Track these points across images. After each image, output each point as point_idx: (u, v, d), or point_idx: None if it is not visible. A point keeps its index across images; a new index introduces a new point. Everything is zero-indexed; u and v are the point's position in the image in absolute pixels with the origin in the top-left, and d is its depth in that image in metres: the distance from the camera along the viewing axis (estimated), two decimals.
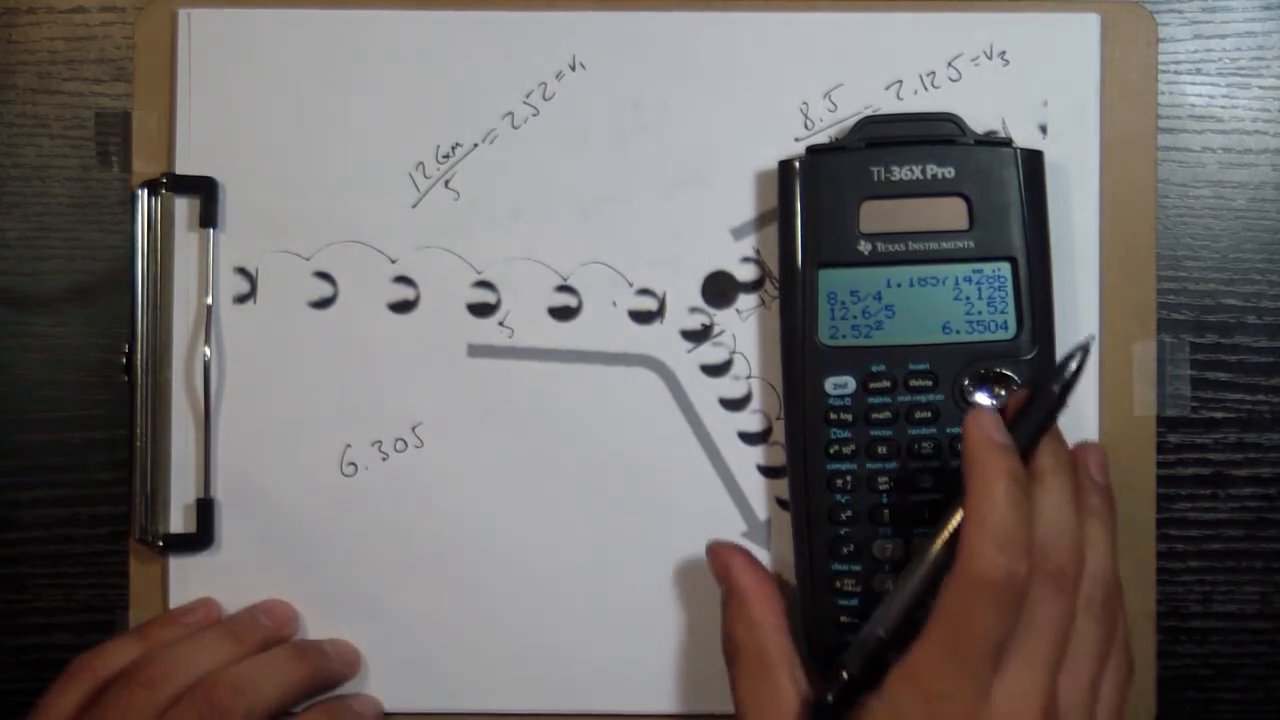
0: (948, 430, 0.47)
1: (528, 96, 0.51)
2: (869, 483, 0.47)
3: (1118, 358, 0.50)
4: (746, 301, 0.50)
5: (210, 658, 0.46)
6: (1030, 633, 0.40)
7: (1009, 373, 0.47)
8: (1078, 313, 0.50)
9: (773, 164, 0.49)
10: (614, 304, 0.51)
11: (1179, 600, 0.51)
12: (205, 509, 0.50)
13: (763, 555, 0.50)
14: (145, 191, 0.50)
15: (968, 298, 0.47)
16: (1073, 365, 0.42)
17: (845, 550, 0.47)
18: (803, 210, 0.47)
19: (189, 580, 0.50)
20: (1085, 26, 0.50)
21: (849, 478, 0.47)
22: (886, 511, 0.47)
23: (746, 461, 0.50)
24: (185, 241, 0.51)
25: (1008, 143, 0.48)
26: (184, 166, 0.51)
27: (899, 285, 0.47)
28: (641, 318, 0.51)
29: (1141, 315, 0.50)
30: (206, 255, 0.50)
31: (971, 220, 0.47)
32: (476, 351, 0.51)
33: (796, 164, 0.48)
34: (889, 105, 0.50)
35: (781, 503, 0.50)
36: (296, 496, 0.51)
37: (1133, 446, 0.50)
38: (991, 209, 0.47)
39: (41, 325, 0.52)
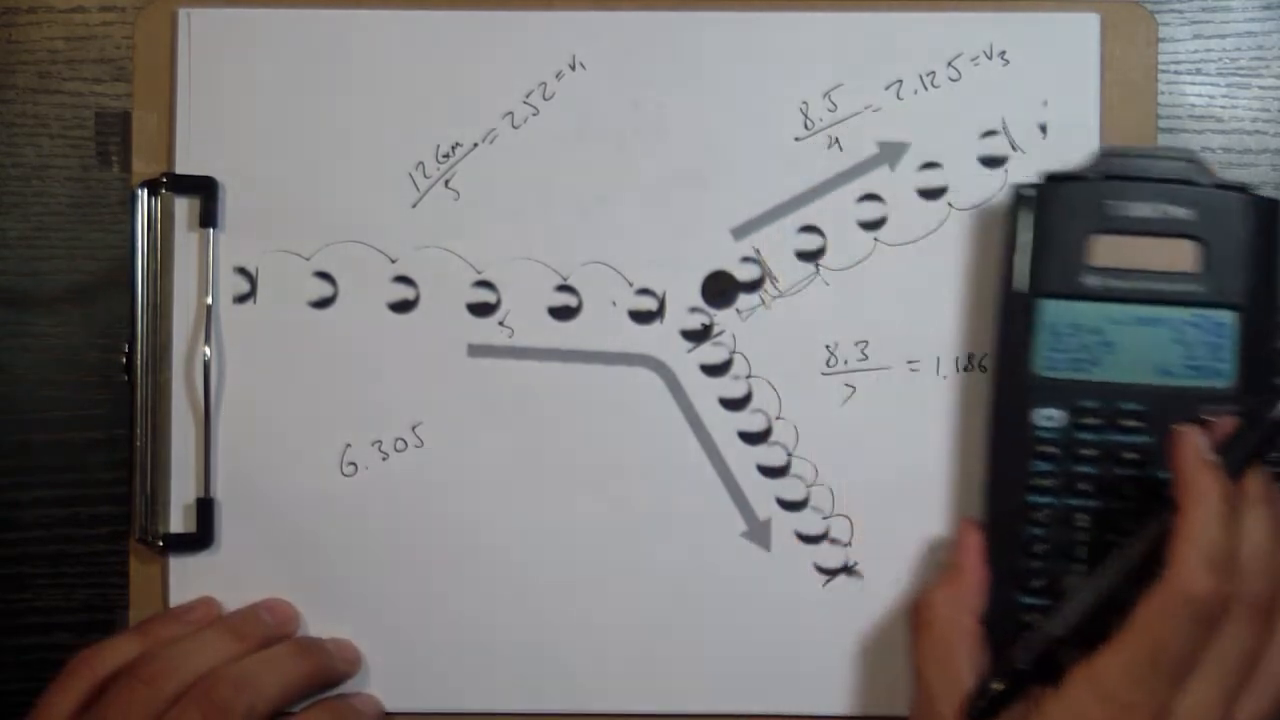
0: (1154, 474, 0.45)
1: (528, 96, 0.51)
2: (1067, 519, 0.46)
3: None
4: (746, 301, 0.50)
5: (212, 655, 0.46)
6: (1218, 656, 0.40)
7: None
8: None
9: (773, 164, 0.49)
10: (614, 304, 0.51)
11: None
12: (205, 509, 0.50)
13: (761, 555, 0.50)
14: (145, 191, 0.50)
15: (1189, 342, 0.45)
16: None
17: (1035, 584, 0.46)
18: (1034, 237, 0.46)
19: (189, 580, 0.50)
20: (1085, 26, 0.50)
21: (1047, 512, 0.46)
22: (1083, 549, 0.46)
23: (746, 461, 0.50)
24: (185, 241, 0.51)
25: (1244, 188, 0.46)
26: (184, 166, 0.51)
27: (1121, 323, 0.46)
28: (641, 318, 0.51)
29: None
30: (206, 255, 0.50)
31: (1202, 264, 0.45)
32: (476, 351, 0.51)
33: (1032, 189, 0.46)
34: (889, 105, 0.50)
35: (781, 503, 0.50)
36: (296, 496, 0.51)
37: None
38: (1223, 255, 0.45)
39: (41, 325, 0.52)
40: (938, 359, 0.50)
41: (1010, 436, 0.46)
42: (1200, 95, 0.51)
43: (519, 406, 0.50)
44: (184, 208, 0.51)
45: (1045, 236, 0.46)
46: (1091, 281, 0.46)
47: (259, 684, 0.46)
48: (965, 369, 0.50)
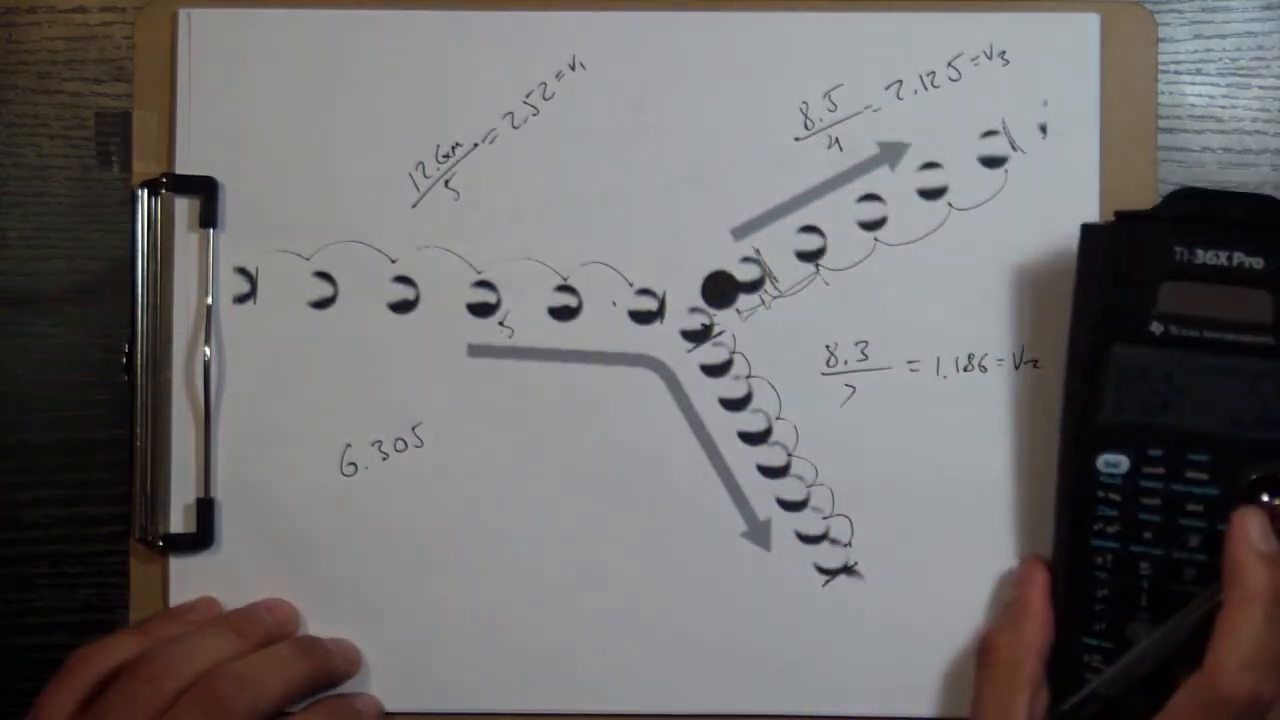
0: (1219, 527, 0.44)
1: (528, 96, 0.51)
2: (1130, 565, 0.45)
3: None
4: (746, 301, 0.50)
5: (213, 653, 0.46)
6: None
7: None
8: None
9: (773, 164, 0.49)
10: (614, 304, 0.51)
11: None
12: (205, 509, 0.50)
13: (761, 555, 0.50)
14: (145, 191, 0.50)
15: (1262, 394, 0.44)
16: None
17: (1098, 628, 0.46)
18: (1104, 280, 0.45)
19: (189, 580, 0.50)
20: (1085, 26, 0.50)
21: (1110, 556, 0.46)
22: (1145, 596, 0.45)
23: (746, 461, 0.50)
24: (185, 241, 0.51)
25: None
26: (184, 166, 0.51)
27: (1191, 371, 0.45)
28: (641, 318, 0.51)
29: None
30: (206, 255, 0.50)
31: (1276, 315, 0.44)
32: (476, 351, 0.51)
33: (1104, 228, 0.46)
34: (889, 105, 0.50)
35: (781, 503, 0.50)
36: (296, 496, 0.51)
37: None
38: None
39: (41, 325, 0.52)
40: (938, 359, 0.50)
41: (1076, 479, 0.46)
42: (1200, 95, 0.51)
43: (519, 406, 0.50)
44: (184, 208, 0.51)
45: (1116, 279, 0.45)
46: (1159, 329, 0.45)
47: (260, 682, 0.46)
48: (965, 369, 0.50)
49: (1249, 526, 0.40)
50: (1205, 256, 0.44)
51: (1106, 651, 0.46)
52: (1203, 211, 0.45)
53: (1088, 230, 0.46)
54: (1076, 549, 0.46)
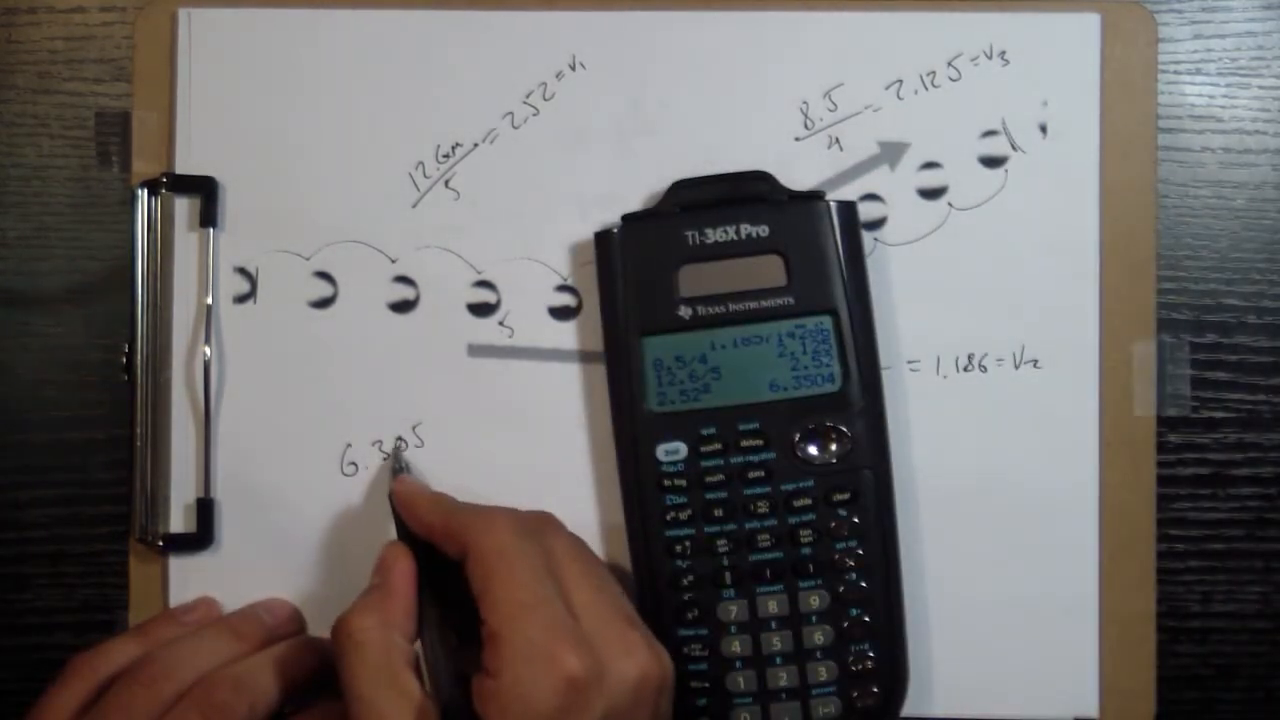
0: (782, 488, 0.47)
1: (528, 96, 0.51)
2: (708, 546, 0.47)
3: (1118, 358, 0.50)
4: None
5: (211, 656, 0.46)
6: None
7: (839, 425, 0.47)
8: (1078, 314, 0.50)
9: (774, 164, 0.49)
10: None
11: (1179, 600, 0.51)
12: (205, 509, 0.50)
13: None
14: (145, 191, 0.50)
15: (792, 354, 0.47)
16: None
17: (690, 615, 0.47)
18: (623, 279, 0.47)
19: (189, 580, 0.50)
20: (1085, 26, 0.50)
21: (688, 543, 0.47)
22: (728, 574, 0.47)
23: None
24: (185, 241, 0.51)
25: (820, 195, 0.48)
26: (184, 166, 0.51)
27: (723, 347, 0.47)
28: None
29: (1141, 315, 0.50)
30: (206, 255, 0.50)
31: (789, 276, 0.47)
32: (476, 351, 0.51)
33: (614, 233, 0.48)
34: (889, 105, 0.50)
35: None
36: (296, 496, 0.51)
37: (1133, 446, 0.50)
38: (808, 263, 0.47)
39: (41, 325, 0.52)
40: (938, 359, 0.50)
41: (639, 475, 0.47)
42: (1200, 95, 0.51)
43: (519, 407, 0.50)
44: (184, 208, 0.51)
45: (635, 276, 0.47)
46: (686, 312, 0.47)
47: (259, 685, 0.45)
48: (965, 369, 0.50)
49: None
50: (715, 235, 0.47)
51: (704, 639, 0.47)
52: (702, 196, 0.48)
53: (601, 237, 0.48)
54: (653, 542, 0.47)
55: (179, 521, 0.51)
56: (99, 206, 0.52)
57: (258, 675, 0.46)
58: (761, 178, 0.48)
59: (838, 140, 0.50)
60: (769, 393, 0.47)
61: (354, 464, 0.51)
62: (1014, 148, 0.50)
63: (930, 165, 0.50)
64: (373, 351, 0.51)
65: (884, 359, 0.50)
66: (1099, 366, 0.50)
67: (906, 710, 0.49)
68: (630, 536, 0.48)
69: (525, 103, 0.51)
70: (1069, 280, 0.50)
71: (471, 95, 0.51)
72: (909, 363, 0.50)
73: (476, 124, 0.51)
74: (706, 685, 0.47)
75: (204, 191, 0.50)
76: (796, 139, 0.50)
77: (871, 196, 0.50)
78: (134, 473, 0.50)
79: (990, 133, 0.50)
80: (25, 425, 0.52)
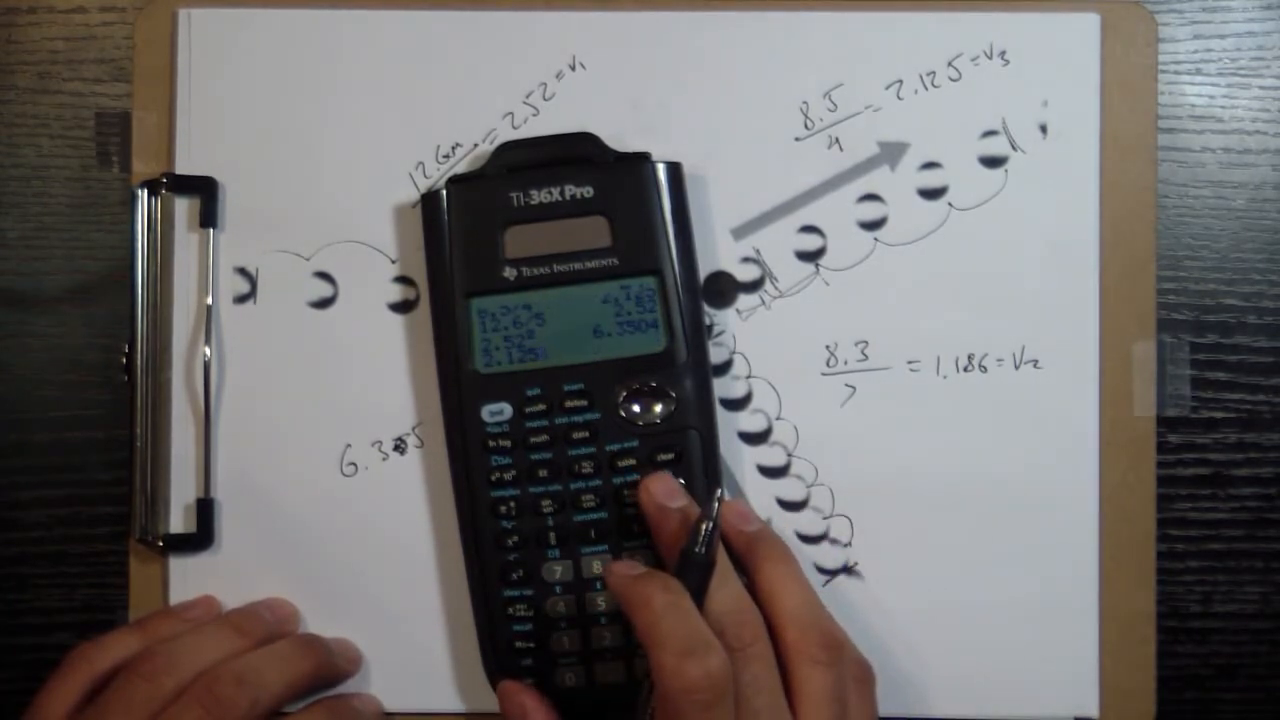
0: (607, 448, 0.47)
1: (528, 96, 0.51)
2: (533, 507, 0.47)
3: (1117, 358, 0.50)
4: (746, 301, 0.50)
5: (213, 650, 0.46)
6: (746, 701, 0.41)
7: (664, 386, 0.47)
8: (1078, 314, 0.50)
9: (773, 164, 0.49)
10: None
11: (1179, 600, 0.52)
12: (205, 509, 0.50)
13: None
14: (145, 191, 0.50)
15: (617, 315, 0.47)
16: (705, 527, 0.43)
17: (515, 576, 0.47)
18: (450, 240, 0.47)
19: (189, 580, 0.50)
20: (1085, 26, 0.50)
21: (512, 504, 0.47)
22: (552, 534, 0.47)
23: (746, 462, 0.50)
24: (185, 241, 0.51)
25: (646, 157, 0.48)
26: (184, 166, 0.51)
27: (547, 308, 0.47)
28: None
29: (1141, 315, 0.50)
30: (206, 255, 0.50)
31: (614, 237, 0.47)
32: None
33: (442, 193, 0.48)
34: (889, 105, 0.50)
35: (782, 503, 0.50)
36: (296, 496, 0.51)
37: (1133, 446, 0.50)
38: (633, 224, 0.47)
39: (41, 325, 0.52)
40: (938, 359, 0.50)
41: (465, 436, 0.47)
42: (1200, 95, 0.51)
43: None
44: (184, 208, 0.51)
45: (462, 237, 0.47)
46: (511, 274, 0.47)
47: (261, 680, 0.45)
48: (965, 369, 0.50)
49: (617, 567, 0.43)
50: (540, 196, 0.47)
51: (529, 599, 0.47)
52: (528, 158, 0.48)
53: (427, 198, 0.48)
54: (479, 503, 0.47)
55: (179, 521, 0.51)
56: (99, 206, 0.52)
57: (260, 670, 0.46)
58: (588, 139, 0.48)
59: (838, 140, 0.50)
60: (594, 354, 0.47)
61: (354, 464, 0.51)
62: (1014, 148, 0.50)
63: (930, 165, 0.50)
64: (373, 351, 0.51)
65: (884, 359, 0.50)
66: (1099, 367, 0.50)
67: (907, 710, 0.49)
68: (456, 497, 0.48)
69: (525, 103, 0.51)
70: (1069, 280, 0.50)
71: (471, 95, 0.51)
72: (909, 363, 0.50)
73: (476, 124, 0.51)
74: (532, 645, 0.47)
75: (204, 192, 0.50)
76: (796, 139, 0.50)
77: (871, 196, 0.50)
78: (134, 473, 0.50)
79: (990, 133, 0.50)
80: (25, 425, 0.52)
